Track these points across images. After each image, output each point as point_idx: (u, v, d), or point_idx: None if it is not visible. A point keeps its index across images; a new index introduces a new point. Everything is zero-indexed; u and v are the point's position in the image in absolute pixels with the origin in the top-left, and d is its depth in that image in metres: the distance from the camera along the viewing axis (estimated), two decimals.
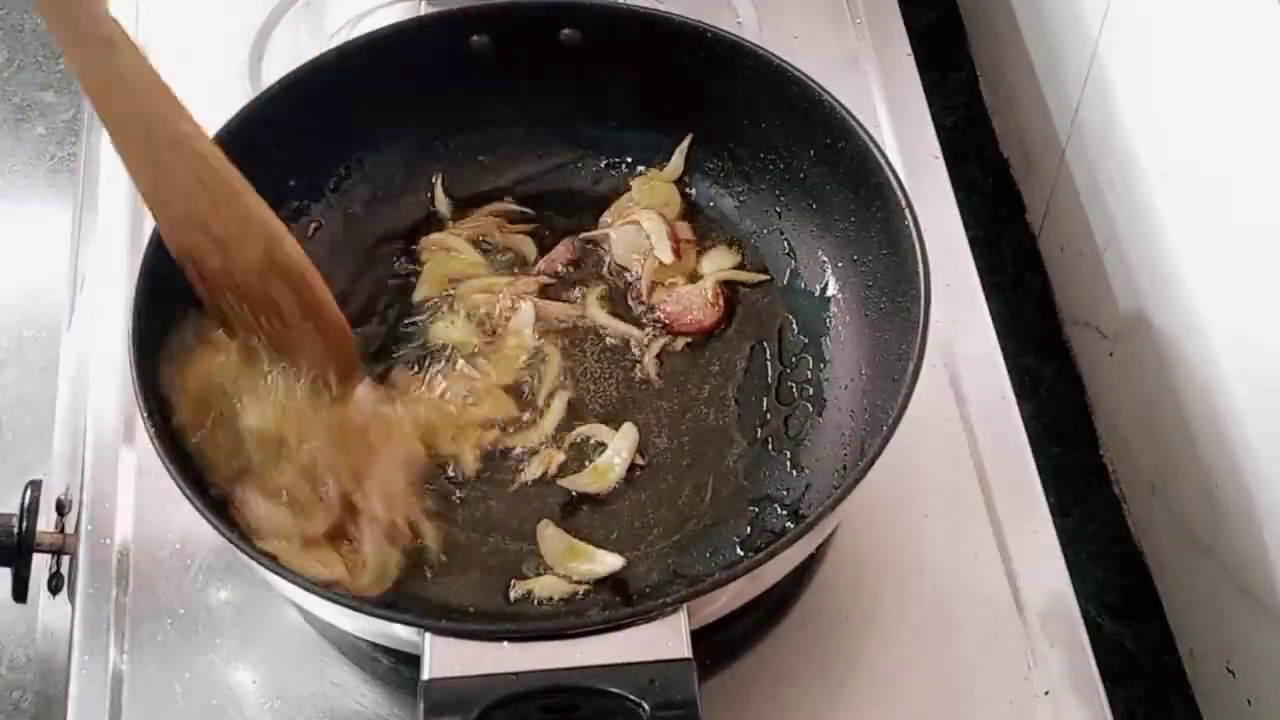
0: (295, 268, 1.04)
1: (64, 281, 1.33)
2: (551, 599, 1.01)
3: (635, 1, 1.23)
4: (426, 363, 1.13)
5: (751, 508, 1.06)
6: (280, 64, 1.30)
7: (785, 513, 1.05)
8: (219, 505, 0.96)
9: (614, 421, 1.10)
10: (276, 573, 0.91)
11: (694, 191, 1.22)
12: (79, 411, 1.18)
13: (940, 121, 1.34)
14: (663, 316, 1.16)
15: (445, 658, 0.86)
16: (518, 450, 1.09)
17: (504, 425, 1.10)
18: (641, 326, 1.16)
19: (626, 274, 1.18)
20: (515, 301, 1.16)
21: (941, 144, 1.32)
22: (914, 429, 0.96)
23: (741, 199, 1.21)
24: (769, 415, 1.11)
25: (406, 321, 1.16)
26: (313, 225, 1.18)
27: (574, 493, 1.07)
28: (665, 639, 0.87)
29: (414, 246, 1.20)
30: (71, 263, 1.33)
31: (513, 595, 1.02)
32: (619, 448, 1.08)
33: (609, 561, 1.02)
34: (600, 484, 1.07)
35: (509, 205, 1.22)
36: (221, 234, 1.01)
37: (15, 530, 1.08)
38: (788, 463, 1.08)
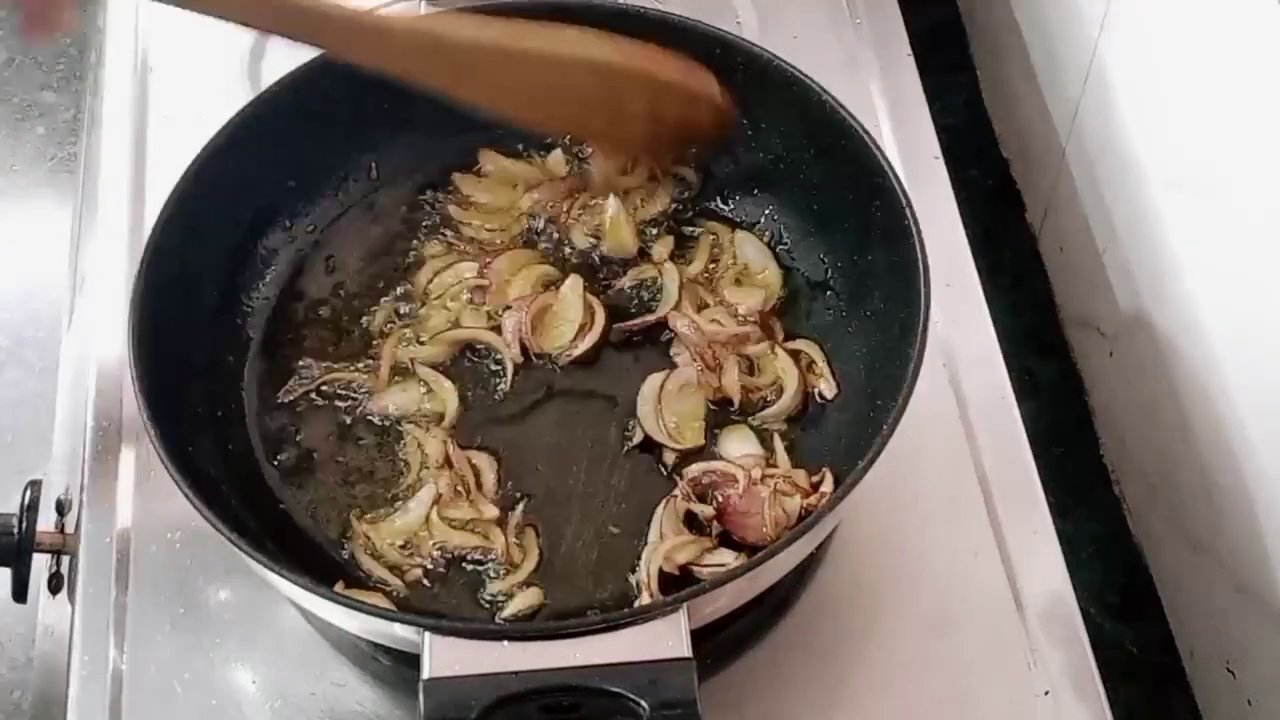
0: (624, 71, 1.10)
1: (64, 281, 1.32)
2: None
3: (635, 1, 1.23)
4: None
5: None
6: (280, 64, 1.29)
7: None
8: (218, 504, 0.96)
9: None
10: (277, 573, 0.91)
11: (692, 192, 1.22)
12: (79, 411, 1.18)
13: (940, 121, 1.34)
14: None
15: (445, 657, 0.86)
16: None
17: None
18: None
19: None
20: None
21: (941, 144, 1.32)
22: (914, 429, 0.96)
23: (741, 199, 1.21)
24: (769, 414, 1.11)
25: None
26: (312, 225, 1.19)
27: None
28: (665, 639, 0.87)
29: (414, 242, 1.20)
30: (71, 263, 1.33)
31: None
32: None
33: None
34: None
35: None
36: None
37: (15, 530, 1.08)
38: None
